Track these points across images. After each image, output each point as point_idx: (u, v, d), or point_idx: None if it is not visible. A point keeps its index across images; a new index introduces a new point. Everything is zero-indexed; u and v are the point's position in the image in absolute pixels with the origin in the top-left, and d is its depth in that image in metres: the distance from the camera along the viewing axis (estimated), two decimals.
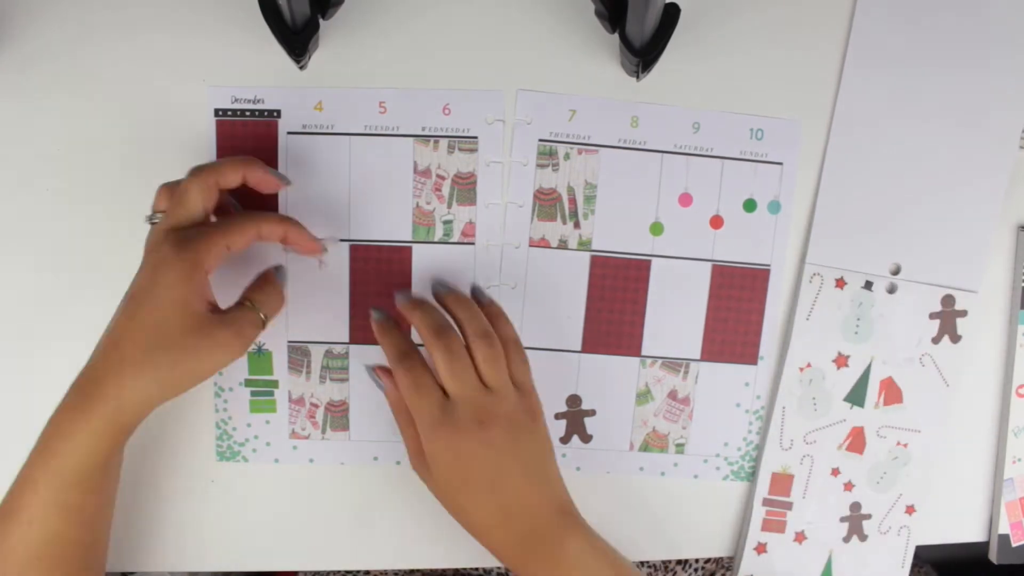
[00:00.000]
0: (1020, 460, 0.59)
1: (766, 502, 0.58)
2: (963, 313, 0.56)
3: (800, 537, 0.58)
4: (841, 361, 0.56)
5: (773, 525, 0.58)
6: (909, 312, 0.56)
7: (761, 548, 0.58)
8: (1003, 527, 0.60)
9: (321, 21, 0.48)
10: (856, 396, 0.57)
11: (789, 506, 0.58)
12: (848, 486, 0.58)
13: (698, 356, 0.56)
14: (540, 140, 0.53)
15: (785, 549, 0.58)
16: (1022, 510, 0.60)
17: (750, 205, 0.55)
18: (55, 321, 0.53)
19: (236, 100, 0.51)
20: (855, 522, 0.58)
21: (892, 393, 0.57)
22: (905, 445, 0.58)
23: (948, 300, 0.56)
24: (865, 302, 0.56)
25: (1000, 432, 0.60)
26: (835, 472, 0.58)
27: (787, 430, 0.57)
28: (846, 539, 0.59)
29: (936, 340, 0.56)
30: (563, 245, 0.54)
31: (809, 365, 0.56)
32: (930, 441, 0.58)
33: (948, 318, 0.56)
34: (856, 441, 0.57)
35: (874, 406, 0.57)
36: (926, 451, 0.58)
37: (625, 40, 0.47)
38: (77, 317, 0.53)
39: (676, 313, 0.55)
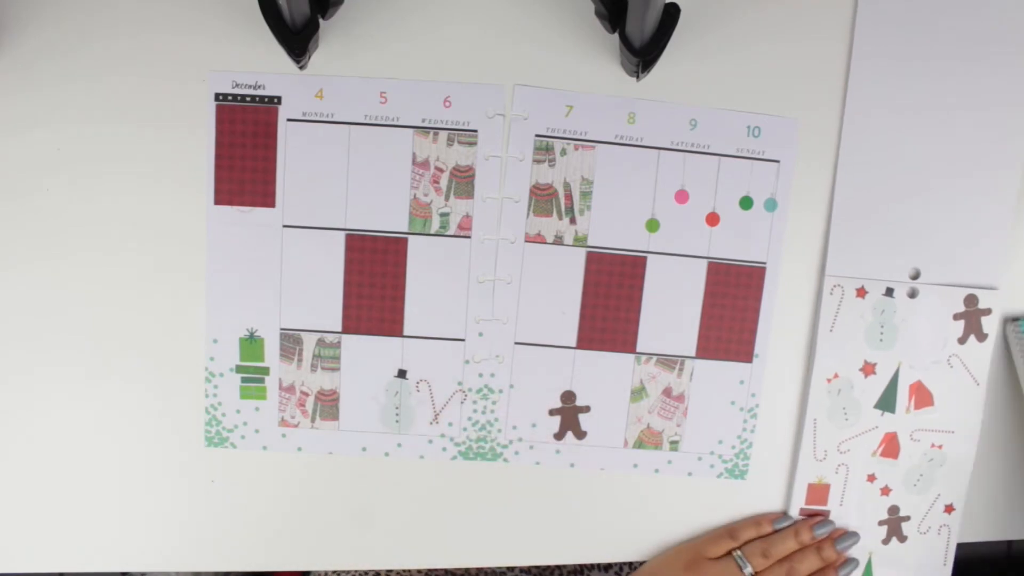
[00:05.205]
0: None
1: (803, 512, 0.57)
2: (987, 311, 0.56)
3: None
4: (868, 369, 0.56)
5: None
6: (932, 315, 0.56)
7: None
8: None
9: (321, 21, 0.48)
10: (886, 402, 0.56)
11: (827, 515, 0.57)
12: (885, 490, 0.57)
13: (693, 353, 0.56)
14: (537, 135, 0.53)
15: None
16: None
17: (746, 203, 0.55)
18: (54, 320, 0.53)
19: (237, 85, 0.52)
20: (894, 524, 0.58)
21: (922, 396, 0.56)
22: (940, 447, 0.57)
23: (971, 300, 0.56)
24: (887, 309, 0.55)
25: None
26: (871, 478, 0.57)
27: (820, 441, 0.56)
28: (885, 541, 0.58)
29: (962, 340, 0.56)
30: (559, 241, 0.54)
31: (836, 375, 0.56)
32: (965, 440, 0.57)
33: (972, 317, 0.56)
34: (890, 446, 0.57)
35: (905, 411, 0.56)
36: (962, 450, 0.57)
37: (625, 40, 0.48)
38: (77, 316, 0.53)
39: (671, 310, 0.55)
